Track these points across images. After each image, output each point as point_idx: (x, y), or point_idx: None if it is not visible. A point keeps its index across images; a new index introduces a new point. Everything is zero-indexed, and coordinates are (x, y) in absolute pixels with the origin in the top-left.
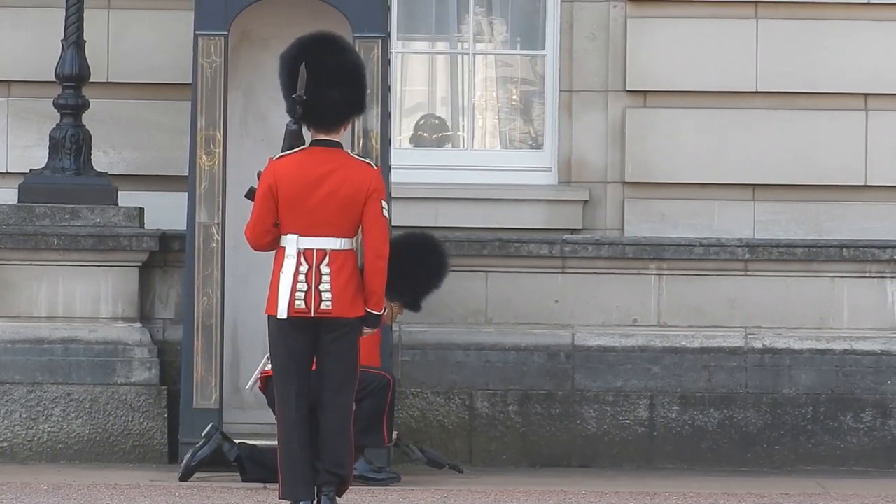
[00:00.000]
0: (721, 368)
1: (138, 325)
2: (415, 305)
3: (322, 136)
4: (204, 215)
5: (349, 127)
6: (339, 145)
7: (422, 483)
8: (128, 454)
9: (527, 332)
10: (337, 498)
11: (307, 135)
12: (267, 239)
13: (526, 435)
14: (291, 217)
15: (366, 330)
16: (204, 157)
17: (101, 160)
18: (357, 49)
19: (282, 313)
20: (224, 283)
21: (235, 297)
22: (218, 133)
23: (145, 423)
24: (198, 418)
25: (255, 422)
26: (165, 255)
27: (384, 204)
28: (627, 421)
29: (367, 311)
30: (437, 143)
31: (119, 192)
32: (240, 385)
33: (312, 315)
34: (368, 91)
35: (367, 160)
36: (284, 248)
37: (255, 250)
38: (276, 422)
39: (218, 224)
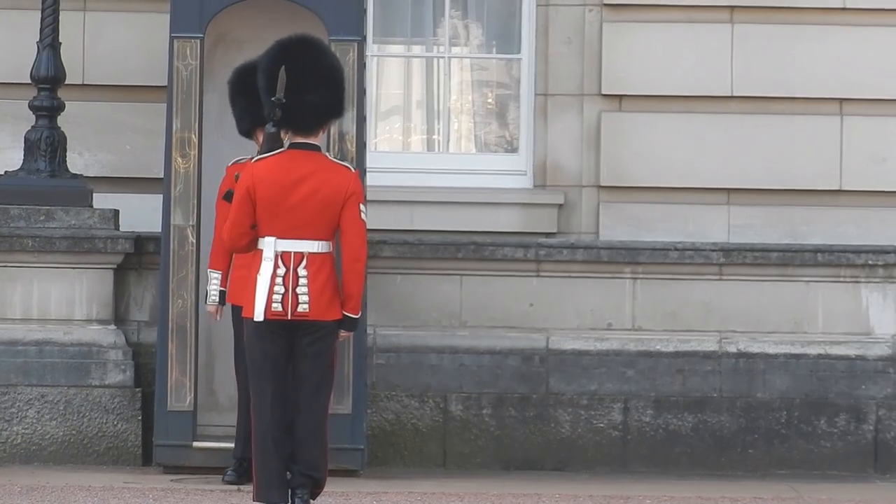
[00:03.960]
0: (695, 372)
1: (113, 327)
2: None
3: (300, 139)
4: (179, 217)
5: (326, 130)
6: (317, 148)
7: (395, 486)
8: (102, 456)
9: (501, 336)
10: (311, 501)
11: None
12: (244, 241)
13: (500, 438)
14: (269, 219)
15: (342, 333)
16: (179, 159)
17: (77, 162)
18: None
19: (258, 316)
20: (199, 286)
21: None
22: (193, 135)
23: (119, 426)
24: (172, 421)
25: (230, 424)
26: (140, 257)
27: (362, 207)
28: (601, 424)
29: (343, 315)
30: (412, 146)
31: (94, 195)
32: (214, 387)
33: (289, 318)
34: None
35: (345, 163)
36: (262, 250)
37: (233, 252)
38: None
39: (193, 226)
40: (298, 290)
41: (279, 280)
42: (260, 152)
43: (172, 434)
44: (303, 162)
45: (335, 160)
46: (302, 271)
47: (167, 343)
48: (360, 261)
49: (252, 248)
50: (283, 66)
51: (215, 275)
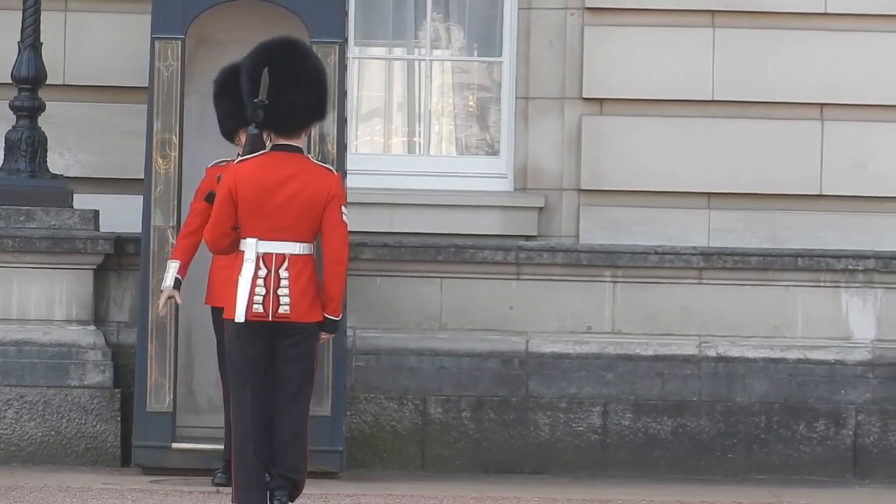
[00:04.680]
0: (675, 376)
1: (92, 327)
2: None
3: (283, 141)
4: (159, 219)
5: (308, 132)
6: (299, 150)
7: (374, 489)
8: (81, 457)
9: (481, 339)
10: (289, 503)
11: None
12: (226, 242)
13: (479, 441)
14: (251, 221)
15: (323, 335)
16: (160, 160)
17: (57, 162)
18: None
19: (240, 317)
20: None
21: (190, 301)
22: (174, 137)
23: (98, 426)
24: (151, 422)
25: (209, 426)
26: (120, 258)
27: (344, 209)
28: (581, 428)
29: (325, 317)
30: (393, 148)
31: (74, 195)
32: (194, 388)
33: (270, 319)
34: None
35: (327, 166)
36: (243, 251)
37: (214, 253)
38: (231, 424)
39: (173, 227)
40: (280, 291)
41: (260, 281)
42: (242, 154)
43: (151, 435)
44: (286, 164)
45: (317, 162)
46: (283, 273)
47: (147, 344)
48: (341, 263)
49: (234, 250)
50: (267, 68)
51: (174, 264)
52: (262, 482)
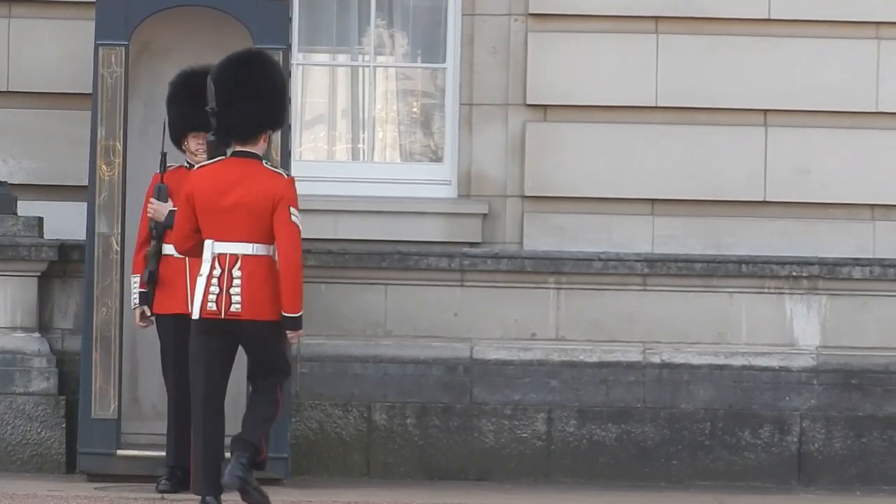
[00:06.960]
0: (619, 383)
1: (37, 334)
2: None
3: (240, 148)
4: (103, 225)
5: (267, 140)
6: (256, 156)
7: (318, 495)
8: (25, 464)
9: (425, 345)
10: (248, 468)
11: None
12: (189, 244)
13: (424, 448)
14: (206, 223)
15: (288, 333)
16: (104, 167)
17: (1, 169)
18: None
19: (195, 314)
20: (123, 294)
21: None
22: (118, 143)
23: (43, 433)
24: (96, 428)
25: (154, 432)
26: (65, 265)
27: (293, 210)
28: (525, 434)
29: (282, 315)
30: (337, 155)
31: (18, 202)
32: (139, 395)
33: (223, 317)
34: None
35: (279, 170)
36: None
37: (181, 255)
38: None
39: (117, 234)
40: (232, 290)
41: (215, 280)
42: (206, 160)
43: (96, 442)
44: (237, 168)
45: (271, 167)
46: (236, 272)
47: (91, 351)
48: (293, 263)
49: (199, 251)
50: (210, 77)
51: (135, 279)
52: (217, 475)
